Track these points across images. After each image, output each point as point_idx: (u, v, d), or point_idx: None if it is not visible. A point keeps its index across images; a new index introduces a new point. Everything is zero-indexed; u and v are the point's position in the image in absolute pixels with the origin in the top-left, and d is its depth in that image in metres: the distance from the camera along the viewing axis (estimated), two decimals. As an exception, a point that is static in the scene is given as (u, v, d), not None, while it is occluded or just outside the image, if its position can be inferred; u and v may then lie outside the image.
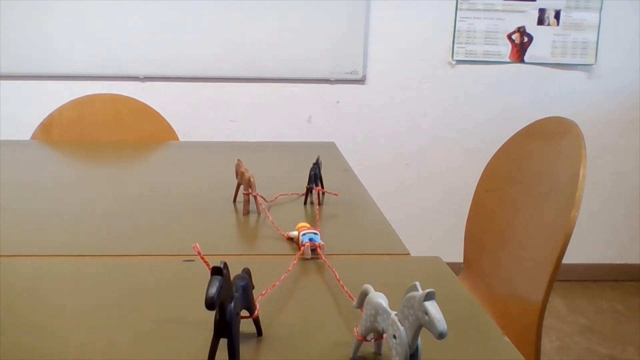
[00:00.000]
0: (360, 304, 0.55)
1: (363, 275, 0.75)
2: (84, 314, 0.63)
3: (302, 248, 0.80)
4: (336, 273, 0.73)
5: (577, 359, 2.18)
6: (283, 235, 0.89)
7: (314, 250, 0.81)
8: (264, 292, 0.65)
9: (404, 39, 2.61)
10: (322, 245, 0.81)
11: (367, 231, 0.94)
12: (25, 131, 1.88)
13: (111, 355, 0.55)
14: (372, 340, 0.55)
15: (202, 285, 0.71)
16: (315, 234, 0.83)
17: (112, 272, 0.75)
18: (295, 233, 0.86)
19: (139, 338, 0.58)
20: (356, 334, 0.54)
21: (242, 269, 0.57)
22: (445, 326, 0.44)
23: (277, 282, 0.69)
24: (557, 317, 2.51)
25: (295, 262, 0.75)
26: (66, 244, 0.86)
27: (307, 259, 0.80)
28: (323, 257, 0.79)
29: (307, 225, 0.86)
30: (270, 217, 0.97)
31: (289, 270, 0.73)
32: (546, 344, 2.27)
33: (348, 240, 0.90)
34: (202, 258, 0.51)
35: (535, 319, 0.93)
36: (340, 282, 0.70)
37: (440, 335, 0.44)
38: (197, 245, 0.50)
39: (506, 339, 0.60)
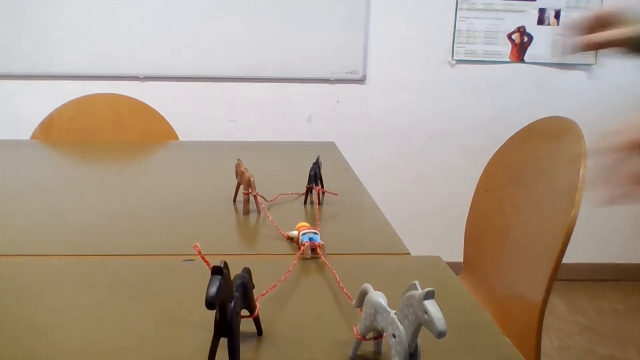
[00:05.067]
0: (360, 303, 0.55)
1: (363, 275, 0.75)
2: (84, 314, 0.63)
3: (302, 248, 0.80)
4: (336, 274, 0.73)
5: (577, 358, 2.18)
6: (283, 234, 0.89)
7: (313, 249, 0.81)
8: (264, 292, 0.65)
9: (404, 38, 2.61)
10: (322, 244, 0.81)
11: (367, 231, 0.94)
12: (25, 131, 1.88)
13: (111, 355, 0.55)
14: (372, 339, 0.55)
15: (202, 285, 0.70)
16: (315, 233, 0.83)
17: (112, 272, 0.75)
18: (295, 233, 0.86)
19: (139, 338, 0.59)
20: (356, 333, 0.54)
21: (242, 268, 0.57)
22: (445, 325, 0.44)
23: (278, 283, 0.69)
24: (557, 317, 2.51)
25: (295, 262, 0.75)
26: (66, 244, 0.86)
27: (307, 259, 0.80)
28: (323, 257, 0.79)
29: (307, 224, 0.86)
30: (270, 217, 0.97)
31: (290, 270, 0.73)
32: (546, 344, 2.27)
33: (348, 240, 0.90)
34: (203, 257, 0.51)
35: (535, 319, 0.93)
36: (340, 284, 0.70)
37: (440, 335, 0.44)
38: (198, 244, 0.50)
39: (506, 338, 0.60)
